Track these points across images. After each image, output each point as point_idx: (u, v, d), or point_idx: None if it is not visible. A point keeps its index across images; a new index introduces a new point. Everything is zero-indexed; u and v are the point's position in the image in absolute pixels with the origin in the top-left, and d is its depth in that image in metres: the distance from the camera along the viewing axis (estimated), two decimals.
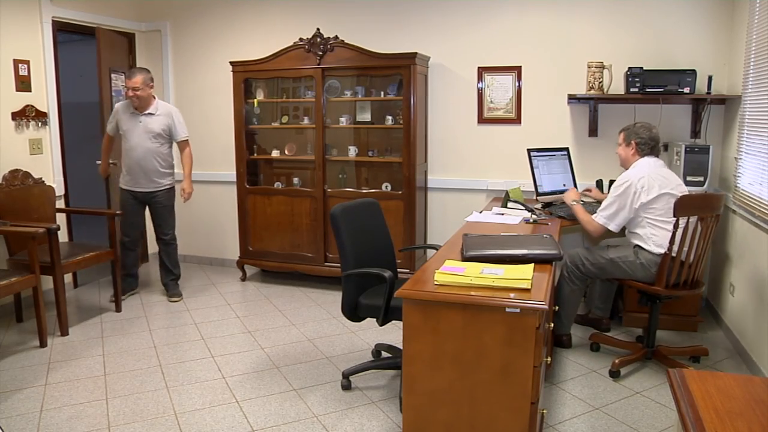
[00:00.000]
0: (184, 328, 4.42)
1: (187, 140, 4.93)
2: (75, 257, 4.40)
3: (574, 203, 3.94)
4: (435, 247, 3.34)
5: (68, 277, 5.14)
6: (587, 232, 3.87)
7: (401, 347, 2.47)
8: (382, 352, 3.85)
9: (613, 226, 3.66)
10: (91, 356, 3.91)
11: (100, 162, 5.17)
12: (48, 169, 5.01)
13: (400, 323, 2.48)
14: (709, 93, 4.37)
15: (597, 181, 4.62)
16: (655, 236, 3.56)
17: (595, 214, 3.74)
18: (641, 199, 3.57)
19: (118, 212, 4.73)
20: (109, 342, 4.16)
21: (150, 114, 4.75)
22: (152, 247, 6.23)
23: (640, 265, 3.60)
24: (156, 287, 5.38)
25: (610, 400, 3.32)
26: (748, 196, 3.86)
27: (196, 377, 3.62)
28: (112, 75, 5.48)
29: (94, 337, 4.24)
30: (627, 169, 3.79)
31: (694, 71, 4.33)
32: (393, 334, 4.10)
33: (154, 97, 4.81)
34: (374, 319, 3.27)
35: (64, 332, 4.25)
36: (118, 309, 4.76)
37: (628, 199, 3.60)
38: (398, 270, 3.71)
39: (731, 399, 1.42)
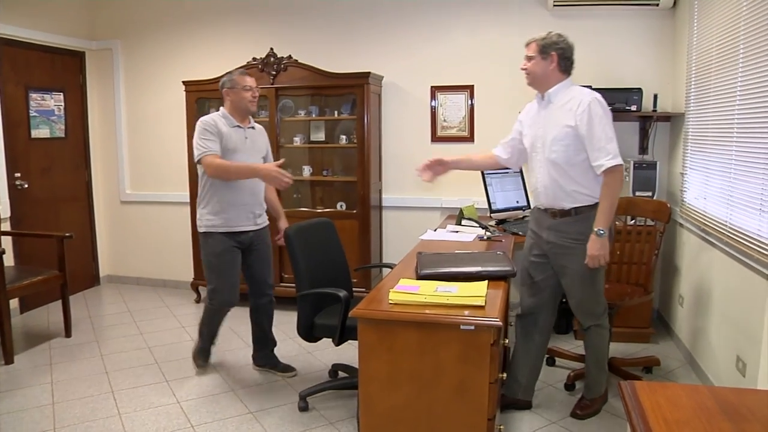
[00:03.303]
0: (137, 353, 4.32)
1: None
2: (21, 282, 4.25)
3: (601, 232, 2.91)
4: (390, 266, 3.34)
5: (14, 302, 4.97)
6: (618, 186, 2.97)
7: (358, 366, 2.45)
8: (339, 372, 3.82)
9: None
10: (38, 384, 3.77)
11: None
12: None
13: (356, 342, 2.46)
14: (655, 110, 4.51)
15: None
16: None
17: (601, 161, 2.90)
18: None
19: (67, 234, 4.58)
20: (58, 369, 4.02)
21: (251, 128, 3.77)
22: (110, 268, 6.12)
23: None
24: (111, 309, 5.25)
25: (566, 413, 3.35)
26: (694, 210, 3.99)
27: (150, 402, 3.53)
28: (32, 94, 5.32)
29: (41, 365, 4.10)
30: (541, 90, 3.10)
31: (640, 90, 4.47)
32: (350, 353, 4.07)
33: None
34: (330, 339, 3.25)
35: (9, 360, 4.09)
36: (68, 334, 4.62)
37: (612, 123, 2.95)
38: (354, 289, 3.71)
39: (679, 408, 1.46)
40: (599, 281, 3.14)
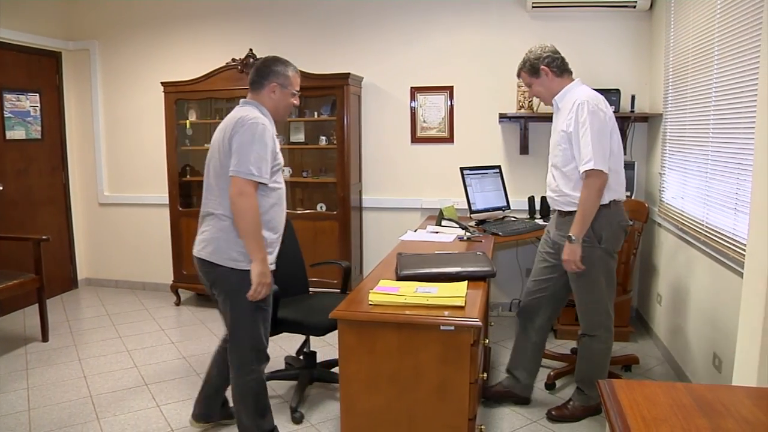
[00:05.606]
0: (116, 356, 4.27)
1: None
2: None
3: (574, 239, 2.92)
4: (340, 263, 3.33)
5: None
6: (593, 192, 2.86)
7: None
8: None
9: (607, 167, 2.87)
10: (13, 390, 3.72)
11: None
12: None
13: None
14: (632, 111, 4.55)
15: (529, 198, 4.73)
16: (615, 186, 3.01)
17: (580, 164, 2.87)
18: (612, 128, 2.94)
19: (43, 237, 4.52)
20: (35, 374, 3.97)
21: None
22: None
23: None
24: (89, 312, 5.18)
25: None
26: (672, 209, 4.03)
27: (129, 407, 3.50)
28: (6, 95, 5.22)
29: (17, 370, 4.03)
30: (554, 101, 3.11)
31: (618, 90, 4.51)
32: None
33: None
34: (316, 338, 3.24)
35: None
36: (45, 338, 4.55)
37: (605, 126, 2.89)
38: (327, 289, 3.76)
39: (656, 406, 1.48)
40: (599, 289, 3.08)
